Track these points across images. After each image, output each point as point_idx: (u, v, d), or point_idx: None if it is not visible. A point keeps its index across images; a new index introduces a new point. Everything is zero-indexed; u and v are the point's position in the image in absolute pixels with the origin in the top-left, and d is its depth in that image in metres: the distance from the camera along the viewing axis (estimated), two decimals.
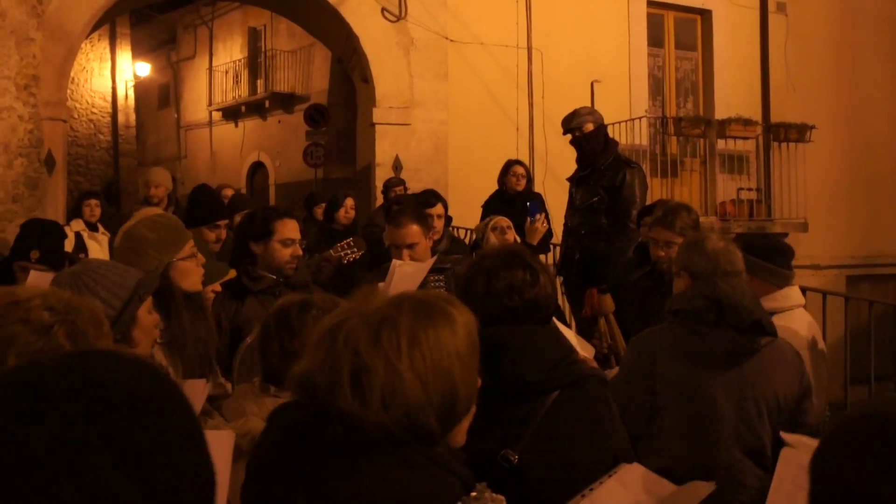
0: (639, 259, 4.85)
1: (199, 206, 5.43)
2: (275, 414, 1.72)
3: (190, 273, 3.14)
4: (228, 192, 9.02)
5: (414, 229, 4.36)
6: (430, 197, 5.84)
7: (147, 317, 2.57)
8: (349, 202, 8.21)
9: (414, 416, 1.52)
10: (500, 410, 2.20)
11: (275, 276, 3.99)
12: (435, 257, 4.15)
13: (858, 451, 1.24)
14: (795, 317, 3.88)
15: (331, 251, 5.20)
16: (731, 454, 3.00)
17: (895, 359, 5.82)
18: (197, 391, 2.26)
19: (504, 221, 5.93)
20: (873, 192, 13.84)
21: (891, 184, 13.99)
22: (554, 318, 3.60)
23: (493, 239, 5.72)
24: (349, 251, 5.12)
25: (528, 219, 6.34)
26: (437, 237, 5.55)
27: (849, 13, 13.66)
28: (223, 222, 5.36)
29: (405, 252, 4.30)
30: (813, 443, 2.29)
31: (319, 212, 9.40)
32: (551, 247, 8.17)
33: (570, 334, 3.89)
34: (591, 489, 2.22)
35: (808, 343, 3.84)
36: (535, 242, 6.11)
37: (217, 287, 3.54)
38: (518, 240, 5.94)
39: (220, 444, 1.74)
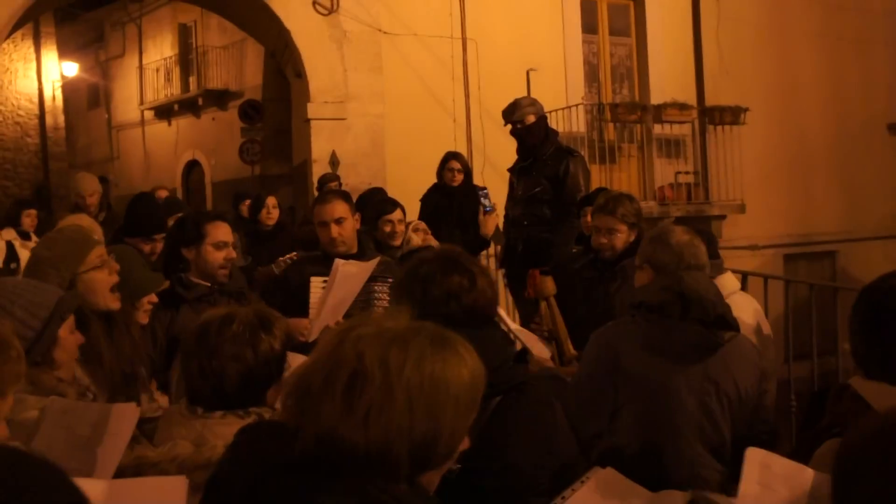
0: (581, 250, 4.84)
1: (136, 217, 5.26)
2: (244, 431, 1.69)
3: (98, 284, 3.00)
4: (163, 194, 8.83)
5: (340, 205, 4.34)
6: (388, 204, 5.79)
7: (69, 337, 2.46)
8: (271, 201, 8.05)
9: (388, 443, 1.47)
10: None
11: (208, 284, 3.91)
12: (378, 258, 4.08)
13: (885, 466, 1.19)
14: (739, 304, 3.88)
15: (272, 265, 5.12)
16: (693, 449, 2.99)
17: (833, 335, 5.98)
18: (126, 417, 2.15)
19: (421, 225, 5.94)
20: (807, 172, 14.07)
21: (823, 163, 14.25)
22: (506, 318, 3.54)
23: (415, 240, 5.67)
24: None
25: (482, 209, 6.31)
26: (399, 243, 5.51)
27: None
28: (160, 236, 5.19)
29: (333, 227, 4.26)
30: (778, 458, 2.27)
31: (244, 211, 9.24)
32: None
33: (522, 334, 3.83)
34: (564, 497, 2.17)
35: (755, 329, 3.85)
36: (490, 233, 6.08)
37: (154, 298, 3.45)
38: (436, 244, 5.90)
39: (173, 489, 1.66)
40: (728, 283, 4.02)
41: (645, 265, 3.36)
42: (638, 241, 4.58)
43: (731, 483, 2.92)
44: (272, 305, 2.57)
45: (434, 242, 5.87)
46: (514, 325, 3.88)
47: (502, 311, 3.72)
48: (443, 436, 1.53)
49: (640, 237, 4.63)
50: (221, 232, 3.95)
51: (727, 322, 3.03)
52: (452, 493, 2.21)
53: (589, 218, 5.08)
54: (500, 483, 2.22)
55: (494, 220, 6.38)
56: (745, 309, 3.94)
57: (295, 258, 5.09)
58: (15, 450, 1.06)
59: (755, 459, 2.30)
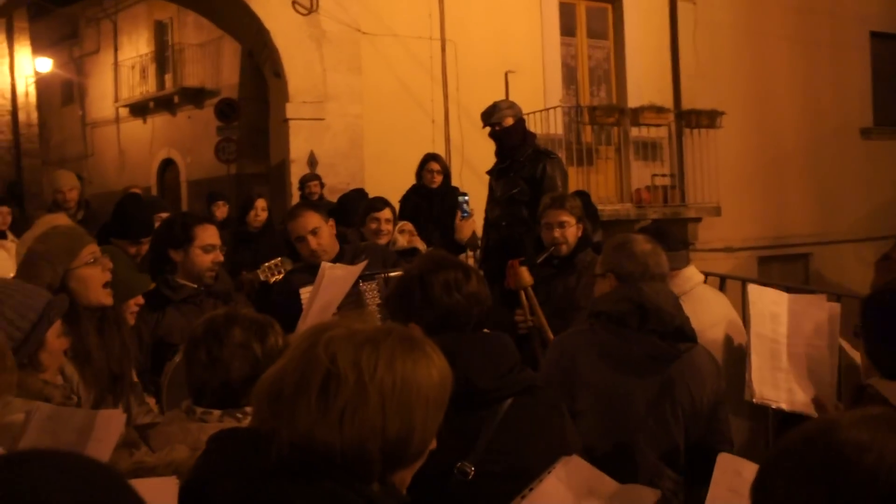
0: (538, 250, 4.90)
1: (125, 218, 5.19)
2: (215, 439, 1.68)
3: (91, 280, 2.99)
4: (136, 192, 8.71)
5: (311, 216, 4.37)
6: (378, 201, 5.80)
7: (55, 340, 2.45)
8: (260, 203, 7.96)
9: (362, 443, 1.50)
10: (452, 421, 2.14)
11: (195, 285, 3.92)
12: (365, 261, 4.09)
13: (801, 479, 1.20)
14: (704, 296, 4.00)
15: (257, 271, 5.11)
16: (647, 457, 3.00)
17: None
18: (112, 423, 2.14)
19: (408, 226, 5.95)
20: (781, 175, 14.21)
21: (797, 167, 14.39)
22: None
23: (401, 241, 5.67)
24: (276, 272, 5.02)
25: (459, 213, 6.31)
26: (386, 241, 5.51)
27: (753, 1, 13.96)
28: (146, 239, 5.15)
29: (311, 239, 4.28)
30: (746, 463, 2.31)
31: (217, 212, 9.14)
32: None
33: None
34: (531, 489, 2.17)
35: (724, 316, 3.92)
36: (464, 238, 6.08)
37: (140, 300, 3.45)
38: (422, 245, 5.91)
39: (164, 490, 1.66)
40: (693, 276, 4.09)
41: (608, 274, 3.36)
42: (585, 236, 4.72)
43: (684, 492, 2.98)
44: (263, 309, 2.58)
45: (420, 243, 5.88)
46: None
47: None
48: (415, 435, 1.56)
49: (586, 231, 4.78)
50: (209, 235, 3.96)
51: (685, 333, 3.05)
52: (464, 496, 2.22)
53: None
54: (512, 487, 2.21)
55: (471, 226, 6.37)
56: (711, 299, 4.04)
57: (279, 263, 5.08)
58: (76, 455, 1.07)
59: (726, 466, 2.33)
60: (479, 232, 6.86)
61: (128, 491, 0.98)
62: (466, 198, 6.49)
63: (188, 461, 2.06)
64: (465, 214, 6.27)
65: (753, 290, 3.08)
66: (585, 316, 3.27)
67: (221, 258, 4.05)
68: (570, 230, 4.60)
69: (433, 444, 1.65)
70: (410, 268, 2.57)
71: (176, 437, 2.19)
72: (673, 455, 3.03)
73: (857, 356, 2.87)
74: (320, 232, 4.32)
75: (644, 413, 3.00)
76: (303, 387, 1.51)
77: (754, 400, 2.90)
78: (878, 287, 2.49)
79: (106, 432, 2.12)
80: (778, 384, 2.88)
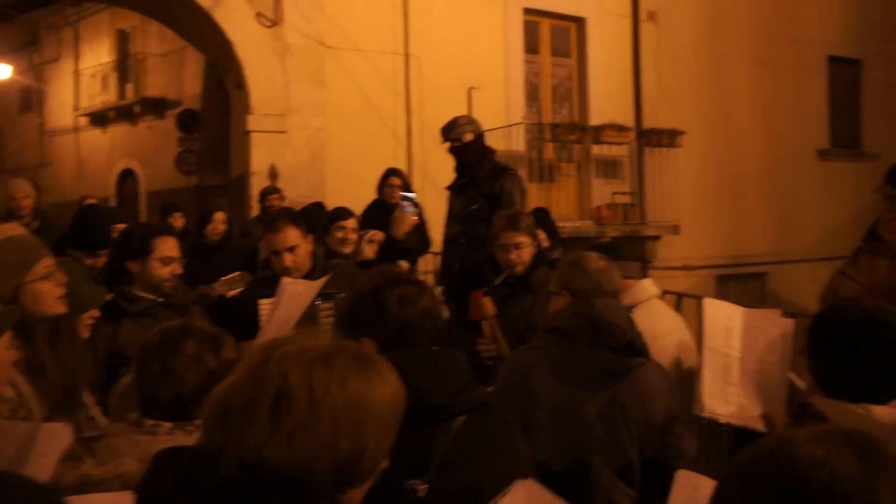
0: (493, 270, 4.91)
1: (83, 229, 5.10)
2: (161, 456, 1.62)
3: (44, 295, 2.93)
4: (92, 202, 8.60)
5: (292, 231, 4.30)
6: (343, 210, 5.77)
7: (4, 353, 2.39)
8: (219, 216, 7.90)
9: (313, 462, 1.48)
10: (404, 438, 2.13)
11: (153, 297, 3.88)
12: (326, 277, 4.06)
13: (758, 495, 1.21)
14: (658, 308, 4.06)
15: (214, 284, 5.07)
16: (601, 473, 3.01)
17: None
18: (57, 438, 2.10)
19: (378, 235, 5.86)
20: (739, 195, 14.38)
21: (756, 187, 14.58)
22: None
23: (367, 252, 5.65)
24: (234, 286, 4.98)
25: (400, 209, 6.26)
26: (350, 250, 5.52)
27: (715, 24, 14.17)
28: (104, 252, 5.08)
29: (286, 256, 4.23)
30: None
31: (174, 223, 9.05)
32: (431, 255, 8.15)
33: None
34: None
35: (676, 328, 3.97)
36: (399, 234, 6.01)
37: (95, 313, 3.40)
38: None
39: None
40: (648, 287, 4.16)
41: (563, 290, 3.42)
42: (539, 253, 4.74)
43: None
44: (221, 323, 2.56)
45: None
46: None
47: None
48: (366, 454, 1.55)
49: (540, 247, 4.80)
50: (168, 247, 3.94)
51: (636, 348, 3.09)
52: None
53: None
54: (465, 503, 2.21)
55: (410, 223, 6.29)
56: (664, 311, 4.14)
57: (237, 278, 5.04)
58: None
59: (684, 482, 2.35)
60: (437, 247, 6.86)
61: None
62: (413, 196, 6.42)
63: (138, 474, 2.02)
64: (408, 210, 6.17)
65: (709, 303, 3.11)
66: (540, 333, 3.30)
67: (180, 270, 4.03)
68: (525, 251, 4.61)
69: (385, 463, 1.64)
70: (361, 287, 2.55)
71: (124, 450, 2.15)
72: (628, 470, 3.05)
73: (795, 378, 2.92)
74: (298, 250, 4.27)
75: (598, 428, 3.02)
76: (253, 404, 1.49)
77: (703, 414, 2.93)
78: (823, 308, 2.53)
79: (49, 446, 2.08)
80: (728, 399, 2.91)
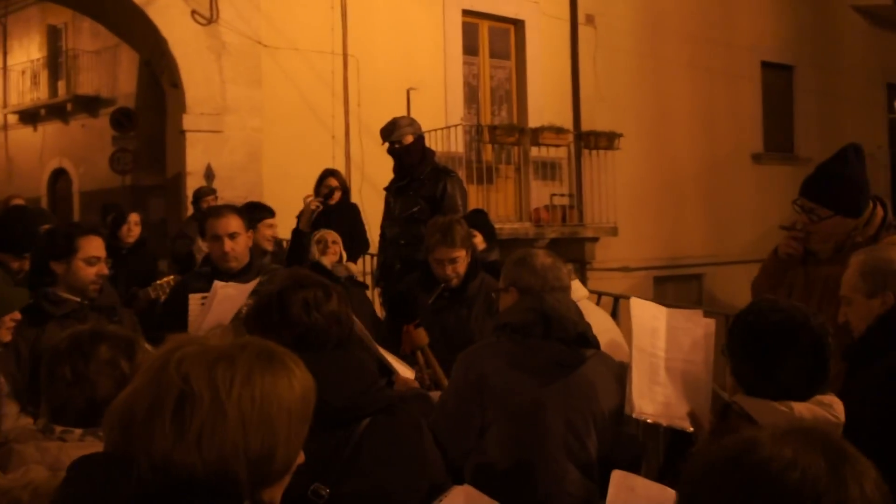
0: (424, 279, 4.88)
1: (8, 231, 4.92)
2: (76, 465, 1.57)
3: None
4: (19, 202, 8.35)
5: (235, 219, 4.36)
6: (267, 210, 5.76)
7: None
8: (133, 218, 7.72)
9: (225, 462, 1.44)
10: (308, 442, 2.10)
11: (78, 299, 3.78)
12: (257, 279, 4.04)
13: (728, 497, 1.20)
14: (588, 309, 4.07)
15: (148, 289, 5.02)
16: (560, 465, 3.04)
17: None
18: None
19: (330, 235, 5.78)
20: (676, 197, 14.57)
21: (692, 189, 14.79)
22: (368, 337, 3.53)
23: (316, 254, 5.58)
24: (167, 290, 4.93)
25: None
26: (271, 249, 5.59)
27: (653, 28, 14.34)
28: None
29: (226, 241, 4.27)
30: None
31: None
32: (369, 257, 8.10)
33: (387, 354, 3.86)
34: None
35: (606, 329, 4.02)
36: (302, 226, 6.17)
37: (17, 315, 3.30)
38: (344, 255, 5.81)
39: None
40: (577, 287, 4.21)
41: (511, 287, 3.45)
42: (474, 262, 4.77)
43: (599, 500, 2.99)
44: (152, 325, 2.50)
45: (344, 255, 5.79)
46: (376, 346, 3.89)
47: (365, 331, 3.75)
48: (279, 450, 1.52)
49: (475, 256, 4.84)
50: (94, 246, 3.84)
51: (587, 340, 3.16)
52: None
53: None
54: None
55: (309, 209, 6.49)
56: (597, 312, 4.22)
57: (170, 282, 5.01)
58: None
59: (619, 482, 2.37)
60: (374, 248, 6.84)
61: None
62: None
63: (49, 482, 1.95)
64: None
65: (635, 303, 3.15)
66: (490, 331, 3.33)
67: (106, 271, 3.92)
68: (461, 264, 4.64)
69: (301, 458, 1.61)
70: (268, 290, 2.55)
71: (31, 457, 2.08)
72: (586, 463, 3.08)
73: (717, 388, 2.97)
74: (238, 238, 4.32)
75: (555, 420, 3.06)
76: (156, 410, 1.45)
77: (633, 414, 2.96)
78: (742, 310, 2.59)
79: None
80: (655, 398, 2.94)
